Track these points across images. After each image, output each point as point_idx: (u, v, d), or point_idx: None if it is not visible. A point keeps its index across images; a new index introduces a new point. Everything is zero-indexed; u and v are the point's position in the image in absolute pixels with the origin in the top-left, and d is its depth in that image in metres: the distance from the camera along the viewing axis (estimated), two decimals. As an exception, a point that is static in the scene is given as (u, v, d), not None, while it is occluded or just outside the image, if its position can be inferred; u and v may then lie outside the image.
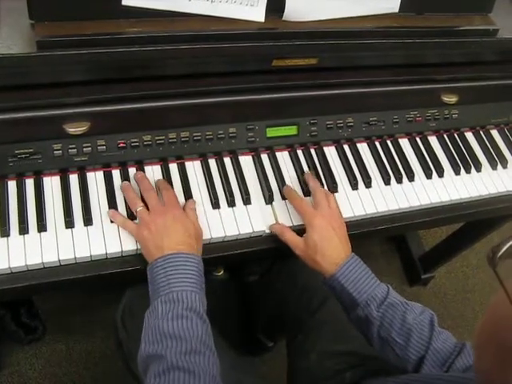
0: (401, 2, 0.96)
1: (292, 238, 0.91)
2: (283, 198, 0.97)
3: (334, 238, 0.89)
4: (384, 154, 1.08)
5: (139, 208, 0.86)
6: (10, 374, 1.49)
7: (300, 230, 0.95)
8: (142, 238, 0.83)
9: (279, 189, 0.98)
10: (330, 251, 0.88)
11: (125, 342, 0.99)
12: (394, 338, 0.83)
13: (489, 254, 0.45)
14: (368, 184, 1.03)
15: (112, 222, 0.87)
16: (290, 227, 0.94)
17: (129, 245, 0.86)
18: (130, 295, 1.02)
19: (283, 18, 0.89)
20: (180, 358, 0.68)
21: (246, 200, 0.95)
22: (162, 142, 0.93)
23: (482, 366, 0.46)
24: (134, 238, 0.86)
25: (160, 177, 0.94)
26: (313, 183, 0.97)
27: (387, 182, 1.05)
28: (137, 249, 0.86)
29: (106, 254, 0.85)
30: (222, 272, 1.55)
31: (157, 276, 0.78)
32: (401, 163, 1.08)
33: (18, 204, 0.86)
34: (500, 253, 0.44)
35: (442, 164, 1.10)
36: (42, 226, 0.84)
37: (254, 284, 1.59)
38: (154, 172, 0.94)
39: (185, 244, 0.81)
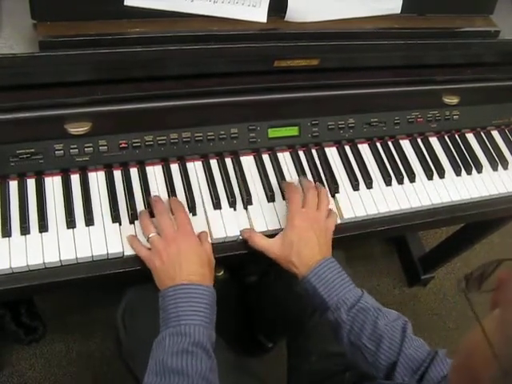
0: (402, 4, 0.96)
1: (263, 242, 0.90)
2: (284, 198, 0.97)
3: (312, 240, 0.87)
4: (385, 154, 1.08)
5: (151, 234, 0.84)
6: (9, 374, 1.49)
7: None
8: (154, 267, 0.82)
9: (280, 189, 0.98)
10: (306, 252, 0.86)
11: (125, 342, 0.99)
12: (365, 344, 0.81)
13: (461, 283, 0.45)
14: (369, 185, 1.03)
15: (114, 222, 0.87)
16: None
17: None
18: (131, 295, 1.02)
19: (285, 19, 0.89)
20: None
21: (248, 200, 0.95)
22: (164, 142, 0.93)
23: None
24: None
25: (162, 177, 0.94)
26: (307, 183, 0.96)
27: (388, 182, 1.05)
28: (138, 249, 0.86)
29: (108, 254, 0.85)
30: (222, 272, 1.54)
31: (167, 306, 0.77)
32: (402, 164, 1.08)
33: (20, 204, 0.86)
34: (472, 280, 0.45)
35: (443, 165, 1.10)
36: (43, 226, 0.84)
37: (253, 285, 1.59)
38: (155, 172, 0.94)
39: (197, 274, 0.80)
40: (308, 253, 0.86)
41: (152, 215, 0.88)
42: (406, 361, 0.79)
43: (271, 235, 0.92)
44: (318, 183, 0.99)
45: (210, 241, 0.89)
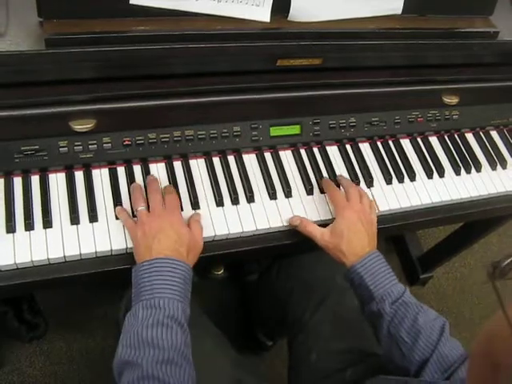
0: (404, 4, 0.97)
1: (316, 230, 0.92)
2: (286, 196, 0.98)
3: (361, 231, 0.90)
4: (386, 153, 1.09)
5: (140, 207, 0.86)
6: (9, 372, 1.49)
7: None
8: (135, 236, 0.83)
9: (282, 187, 0.99)
10: (356, 243, 0.89)
11: None
12: (402, 337, 0.84)
13: (489, 269, 0.45)
14: (370, 183, 1.04)
15: (118, 218, 0.88)
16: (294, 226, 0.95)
17: (134, 241, 0.87)
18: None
19: (288, 18, 0.90)
20: (156, 367, 0.67)
21: (250, 198, 0.95)
22: (167, 139, 0.94)
23: (473, 377, 0.46)
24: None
25: (165, 174, 0.95)
26: (345, 181, 1.00)
27: (389, 181, 1.06)
28: (141, 245, 0.87)
29: (111, 250, 0.86)
30: (221, 271, 1.55)
31: (141, 279, 0.77)
32: (402, 163, 1.09)
33: (24, 200, 0.86)
34: (500, 268, 0.45)
35: (443, 164, 1.11)
36: (47, 223, 0.85)
37: (253, 283, 1.60)
38: (158, 169, 0.95)
39: (174, 251, 0.80)
40: (358, 243, 0.90)
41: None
42: (438, 359, 0.81)
43: (274, 232, 0.93)
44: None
45: (214, 234, 0.91)
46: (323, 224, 0.95)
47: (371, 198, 1.02)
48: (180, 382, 0.68)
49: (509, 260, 0.46)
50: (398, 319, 0.85)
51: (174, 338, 0.71)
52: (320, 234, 0.92)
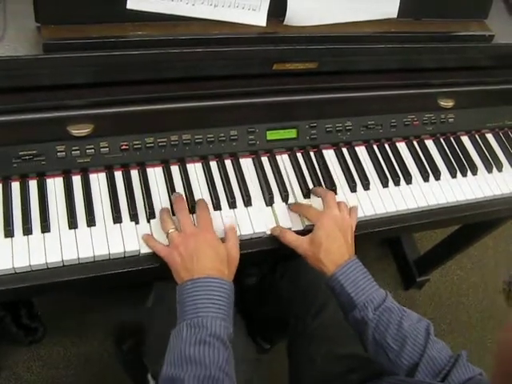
0: (399, 8, 0.98)
1: (293, 238, 0.92)
2: (283, 200, 0.98)
3: (339, 239, 0.90)
4: (382, 157, 1.10)
5: (171, 230, 0.86)
6: (6, 377, 1.49)
7: (301, 233, 0.96)
8: (172, 260, 0.83)
9: (279, 191, 0.99)
10: (334, 250, 0.89)
11: (149, 336, 1.02)
12: (389, 343, 0.84)
13: (504, 288, 0.46)
14: (366, 186, 1.05)
15: (115, 223, 0.88)
16: (290, 229, 0.96)
17: (131, 245, 0.87)
18: (161, 286, 1.05)
19: (284, 23, 0.91)
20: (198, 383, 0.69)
21: (247, 202, 0.96)
22: (164, 144, 0.94)
23: None
24: (137, 240, 0.87)
25: (162, 178, 0.95)
26: (320, 190, 0.99)
27: (385, 184, 1.06)
28: (139, 249, 0.87)
29: (109, 254, 0.86)
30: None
31: (185, 299, 0.79)
32: (398, 166, 1.10)
33: (22, 205, 0.86)
34: None
35: (439, 167, 1.12)
36: (45, 227, 0.85)
37: (252, 286, 1.60)
38: (155, 174, 0.95)
39: (215, 269, 0.81)
40: (336, 251, 0.89)
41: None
42: (428, 362, 0.81)
43: (272, 236, 0.94)
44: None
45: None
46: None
47: (368, 200, 1.02)
48: None
49: None
50: (383, 325, 0.84)
51: (217, 355, 0.73)
52: (300, 243, 0.92)
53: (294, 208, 0.98)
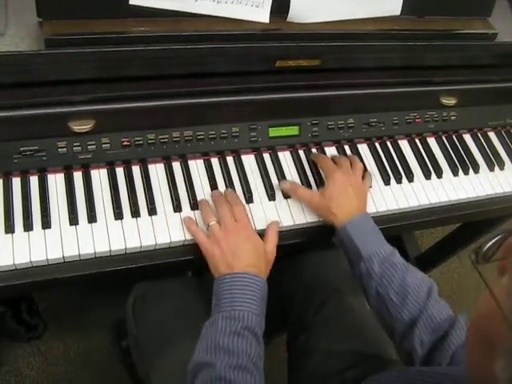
0: (402, 6, 0.97)
1: (305, 193, 0.95)
2: (285, 196, 0.98)
3: (350, 194, 0.93)
4: (384, 154, 1.10)
5: (212, 222, 0.87)
6: (7, 373, 1.49)
7: (300, 230, 0.97)
8: (212, 253, 0.85)
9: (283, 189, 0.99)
10: (345, 205, 0.92)
11: (133, 333, 1.01)
12: (391, 297, 0.85)
13: (471, 256, 0.47)
14: (368, 184, 1.04)
15: (116, 219, 0.88)
16: (291, 226, 0.96)
17: (132, 242, 0.87)
18: (141, 288, 1.05)
19: (287, 20, 0.90)
20: (229, 371, 0.71)
21: (249, 198, 0.96)
22: (166, 140, 0.94)
23: (471, 357, 0.47)
24: (139, 236, 0.87)
25: (163, 175, 0.95)
26: (337, 156, 1.03)
27: (387, 182, 1.06)
28: (140, 246, 0.87)
29: (110, 251, 0.85)
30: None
31: (222, 291, 0.80)
32: (400, 164, 1.09)
33: (23, 201, 0.86)
34: (482, 253, 0.47)
35: (441, 165, 1.12)
36: (46, 223, 0.85)
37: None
38: (157, 170, 0.95)
39: (253, 266, 0.83)
40: (347, 205, 0.92)
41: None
42: (426, 319, 0.83)
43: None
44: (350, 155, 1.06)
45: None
46: (322, 225, 0.96)
47: (370, 198, 1.02)
48: None
49: (490, 243, 0.47)
50: (387, 279, 0.86)
51: (249, 347, 0.75)
52: (310, 197, 0.95)
53: (313, 156, 1.02)
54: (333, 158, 1.01)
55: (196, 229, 0.88)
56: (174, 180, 0.94)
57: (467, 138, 1.19)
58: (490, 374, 0.41)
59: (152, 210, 0.90)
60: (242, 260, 0.83)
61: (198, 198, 0.93)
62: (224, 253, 0.83)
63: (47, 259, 0.82)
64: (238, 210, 0.89)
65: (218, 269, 0.84)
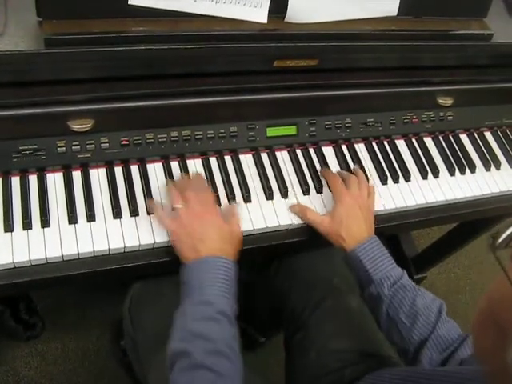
0: (399, 6, 0.98)
1: (315, 216, 0.95)
2: (283, 196, 0.99)
3: (359, 217, 0.93)
4: (381, 154, 1.10)
5: (179, 206, 0.87)
6: (4, 372, 1.49)
7: (298, 230, 0.97)
8: (178, 238, 0.85)
9: (278, 187, 1.00)
10: (354, 228, 0.92)
11: (129, 333, 1.02)
12: (401, 319, 0.86)
13: (489, 240, 0.47)
14: (365, 184, 1.05)
15: (115, 218, 0.88)
16: (289, 225, 0.96)
17: (131, 241, 0.87)
18: (138, 288, 1.04)
19: (285, 20, 0.91)
20: (205, 357, 0.71)
21: (247, 198, 0.96)
22: (165, 140, 0.94)
23: (480, 345, 0.47)
24: (137, 235, 0.87)
25: (162, 174, 0.95)
26: (344, 172, 1.03)
27: (384, 181, 1.07)
28: (139, 245, 0.87)
29: (109, 249, 0.86)
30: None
31: (190, 277, 0.80)
32: (397, 163, 1.10)
33: (22, 200, 0.86)
34: (500, 239, 0.47)
35: (438, 165, 1.12)
36: (45, 222, 0.85)
37: (246, 280, 1.59)
38: (155, 169, 0.95)
39: (220, 250, 0.83)
40: (356, 229, 0.93)
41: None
42: (436, 339, 0.84)
43: (271, 232, 0.94)
44: (356, 168, 1.05)
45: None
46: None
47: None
48: (228, 372, 0.71)
49: (509, 231, 0.48)
50: (397, 302, 0.87)
51: (223, 331, 0.75)
52: (320, 221, 0.95)
53: (324, 173, 1.02)
54: (340, 175, 1.01)
55: (162, 213, 0.88)
56: (173, 179, 0.95)
57: (464, 137, 1.20)
58: (501, 360, 0.41)
59: (151, 209, 0.90)
60: (208, 244, 0.83)
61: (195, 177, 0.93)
62: (190, 236, 0.83)
63: (46, 258, 0.83)
64: (205, 194, 0.89)
65: (183, 252, 0.84)
